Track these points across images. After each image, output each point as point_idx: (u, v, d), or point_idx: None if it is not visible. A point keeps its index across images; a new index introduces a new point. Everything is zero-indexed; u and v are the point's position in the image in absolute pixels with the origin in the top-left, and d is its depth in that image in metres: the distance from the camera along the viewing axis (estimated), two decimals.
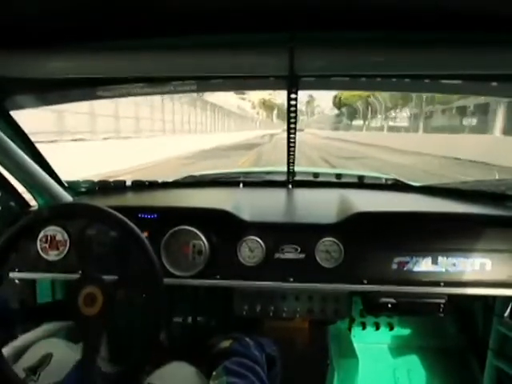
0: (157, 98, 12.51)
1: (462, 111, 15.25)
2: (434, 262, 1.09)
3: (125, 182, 1.51)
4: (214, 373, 0.81)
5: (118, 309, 0.81)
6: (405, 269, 1.10)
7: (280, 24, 0.75)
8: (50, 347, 0.92)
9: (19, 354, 0.93)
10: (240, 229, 1.11)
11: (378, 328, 1.63)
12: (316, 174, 1.57)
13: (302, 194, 1.43)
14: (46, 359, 0.87)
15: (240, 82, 1.18)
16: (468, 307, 1.47)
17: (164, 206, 1.21)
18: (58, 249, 1.14)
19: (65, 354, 0.92)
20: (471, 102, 13.89)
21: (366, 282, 1.09)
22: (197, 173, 1.78)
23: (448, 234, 1.09)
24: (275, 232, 1.12)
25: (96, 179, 1.52)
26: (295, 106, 1.00)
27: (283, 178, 1.41)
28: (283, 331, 1.37)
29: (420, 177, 7.58)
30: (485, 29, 0.74)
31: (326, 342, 1.44)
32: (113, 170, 7.00)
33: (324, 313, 1.14)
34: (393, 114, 22.90)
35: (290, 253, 1.11)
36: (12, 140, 1.05)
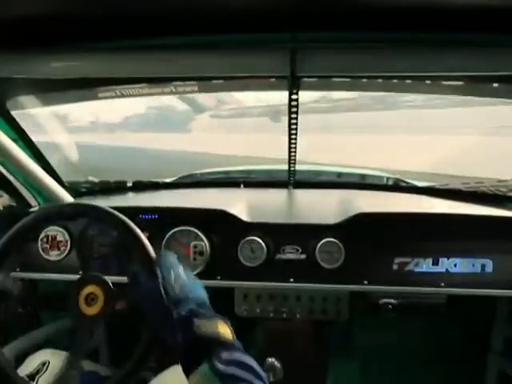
0: None
1: None
2: (435, 262, 1.09)
3: (125, 182, 1.51)
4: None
5: (119, 309, 0.81)
6: (405, 269, 1.10)
7: (281, 24, 0.75)
8: (46, 356, 0.94)
9: (17, 362, 0.95)
10: (241, 229, 1.11)
11: (378, 329, 1.63)
12: (317, 173, 1.57)
13: (303, 195, 1.43)
14: (44, 366, 0.90)
15: (241, 83, 1.18)
16: (469, 308, 1.47)
17: (165, 207, 1.21)
18: (59, 249, 1.15)
19: (61, 361, 0.93)
20: None
21: (366, 282, 1.09)
22: (198, 171, 1.78)
23: (449, 235, 1.09)
24: (276, 232, 1.12)
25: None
26: (296, 106, 1.00)
27: (284, 177, 1.41)
28: (284, 332, 1.37)
29: None
30: (486, 30, 0.74)
31: (327, 342, 1.44)
32: None
33: (325, 313, 1.14)
34: None
35: (291, 253, 1.11)
36: (14, 140, 1.06)
